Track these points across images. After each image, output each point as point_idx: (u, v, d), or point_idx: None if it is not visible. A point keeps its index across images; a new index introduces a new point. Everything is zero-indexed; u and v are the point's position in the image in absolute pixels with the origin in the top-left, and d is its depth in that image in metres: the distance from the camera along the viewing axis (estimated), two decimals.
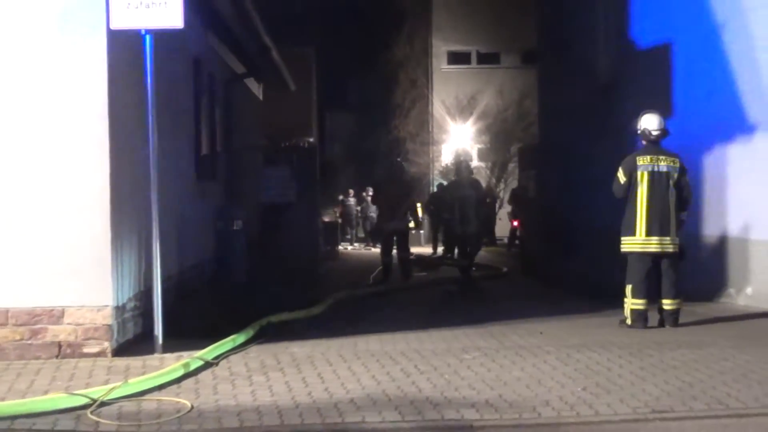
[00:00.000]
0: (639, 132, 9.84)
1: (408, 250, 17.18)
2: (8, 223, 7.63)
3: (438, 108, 38.42)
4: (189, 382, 6.82)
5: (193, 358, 7.39)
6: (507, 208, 27.88)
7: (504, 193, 32.44)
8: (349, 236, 34.86)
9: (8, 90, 7.65)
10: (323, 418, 5.78)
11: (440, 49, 39.35)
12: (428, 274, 18.26)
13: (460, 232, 15.92)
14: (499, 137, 35.16)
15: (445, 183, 27.87)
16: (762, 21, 11.23)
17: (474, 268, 17.10)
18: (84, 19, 7.68)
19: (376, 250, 31.19)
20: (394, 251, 16.92)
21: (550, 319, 10.53)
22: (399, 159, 27.08)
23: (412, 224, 18.42)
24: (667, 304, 9.65)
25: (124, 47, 7.99)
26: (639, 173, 9.57)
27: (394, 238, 16.83)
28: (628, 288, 9.60)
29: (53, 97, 7.67)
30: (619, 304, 9.81)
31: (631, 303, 9.58)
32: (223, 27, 14.66)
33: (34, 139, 7.66)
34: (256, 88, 21.62)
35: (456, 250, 17.52)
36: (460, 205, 15.50)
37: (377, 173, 32.99)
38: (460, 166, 16.98)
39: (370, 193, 35.77)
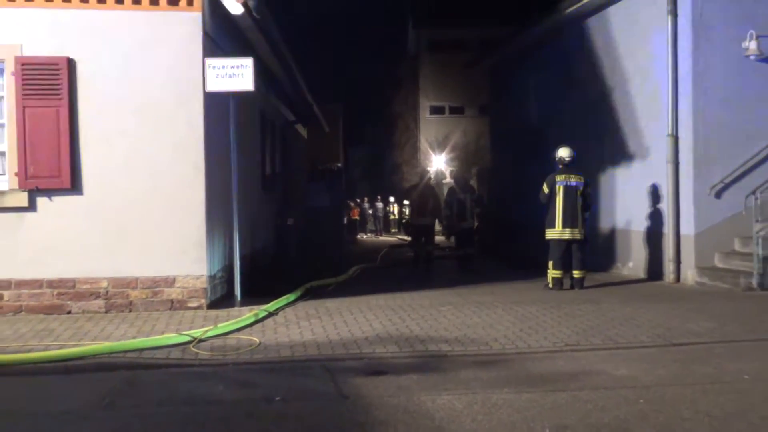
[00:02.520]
0: (557, 159, 9.82)
1: (432, 243, 14.23)
2: (139, 220, 7.65)
3: (423, 143, 38.53)
4: (258, 326, 6.82)
5: (261, 310, 7.39)
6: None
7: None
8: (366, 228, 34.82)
9: (143, 132, 7.66)
10: (347, 350, 5.78)
11: (425, 104, 39.54)
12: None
13: (458, 226, 13.85)
14: (464, 162, 35.12)
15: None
16: (636, 87, 11.26)
17: (453, 251, 15.06)
18: (189, 84, 7.69)
19: (384, 238, 31.25)
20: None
21: (499, 284, 10.52)
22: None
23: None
24: (576, 273, 9.63)
25: (214, 102, 7.98)
26: (557, 186, 9.56)
27: (422, 232, 14.19)
28: (550, 263, 9.59)
29: (169, 135, 7.67)
30: (544, 274, 9.79)
31: (552, 273, 9.56)
32: (280, 89, 14.67)
33: (156, 162, 7.67)
34: (302, 130, 21.59)
35: (452, 240, 15.84)
36: (458, 206, 13.67)
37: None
38: (459, 178, 14.85)
39: (378, 200, 35.83)
